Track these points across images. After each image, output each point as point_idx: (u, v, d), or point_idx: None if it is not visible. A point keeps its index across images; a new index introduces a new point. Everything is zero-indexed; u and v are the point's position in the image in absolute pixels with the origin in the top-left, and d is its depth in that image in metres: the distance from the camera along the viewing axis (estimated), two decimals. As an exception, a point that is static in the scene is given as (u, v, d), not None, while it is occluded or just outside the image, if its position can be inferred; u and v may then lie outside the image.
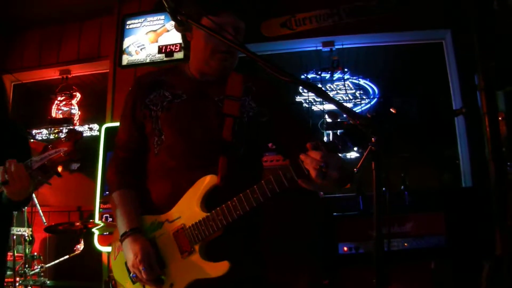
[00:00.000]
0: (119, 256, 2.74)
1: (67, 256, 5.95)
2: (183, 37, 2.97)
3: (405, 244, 5.30)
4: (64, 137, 2.83)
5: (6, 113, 3.88)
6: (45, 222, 6.16)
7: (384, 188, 5.28)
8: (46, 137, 8.50)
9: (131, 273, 2.57)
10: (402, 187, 5.81)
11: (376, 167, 1.91)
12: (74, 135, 2.80)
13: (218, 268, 2.45)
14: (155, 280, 2.53)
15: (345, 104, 3.78)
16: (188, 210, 2.56)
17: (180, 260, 2.53)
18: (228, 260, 2.44)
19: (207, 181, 2.55)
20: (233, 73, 2.89)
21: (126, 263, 2.64)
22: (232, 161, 2.62)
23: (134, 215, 2.70)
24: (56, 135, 8.34)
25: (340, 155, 2.34)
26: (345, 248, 5.41)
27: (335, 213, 5.63)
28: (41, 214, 6.26)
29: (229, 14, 2.71)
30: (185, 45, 2.71)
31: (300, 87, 7.95)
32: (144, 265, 2.49)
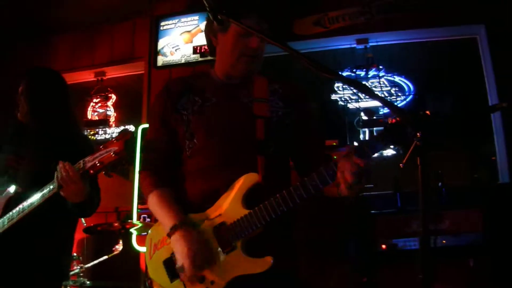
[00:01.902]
0: (155, 255, 2.75)
1: (106, 257, 5.99)
2: (209, 42, 3.00)
3: (443, 241, 5.26)
4: (115, 137, 2.86)
5: (77, 127, 3.97)
6: (84, 223, 6.20)
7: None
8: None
9: (178, 265, 2.56)
10: (440, 183, 5.76)
11: (421, 163, 1.89)
12: (124, 135, 2.83)
13: (261, 264, 2.46)
14: (199, 276, 2.54)
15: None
16: (228, 207, 2.58)
17: (222, 257, 2.53)
18: (270, 256, 2.46)
19: (248, 179, 2.58)
20: (257, 76, 2.94)
21: (164, 262, 2.67)
22: (269, 160, 2.66)
23: (178, 210, 2.70)
24: (93, 137, 8.40)
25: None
26: (384, 246, 5.38)
27: (373, 211, 5.61)
28: (81, 215, 6.30)
29: (253, 16, 2.73)
30: (211, 50, 2.75)
31: (336, 85, 7.95)
32: (198, 255, 2.50)
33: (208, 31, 2.97)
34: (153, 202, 2.80)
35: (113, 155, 2.81)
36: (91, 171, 2.97)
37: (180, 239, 2.56)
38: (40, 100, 3.84)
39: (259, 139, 2.69)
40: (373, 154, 2.31)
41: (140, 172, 2.93)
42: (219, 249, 2.54)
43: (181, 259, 2.53)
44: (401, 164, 2.02)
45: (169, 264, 2.66)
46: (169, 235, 2.63)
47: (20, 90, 3.82)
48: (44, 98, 3.86)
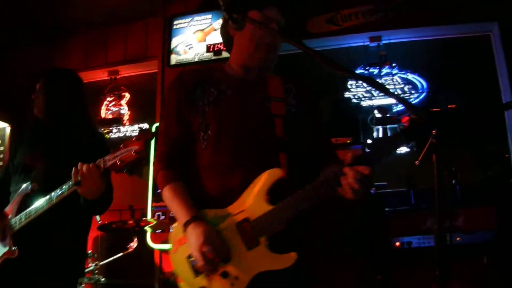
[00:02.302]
0: (179, 250, 2.75)
1: (121, 254, 6.01)
2: (225, 34, 3.01)
3: (457, 238, 5.26)
4: (136, 136, 2.88)
5: (92, 126, 4.01)
6: (99, 221, 6.22)
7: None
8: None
9: (192, 260, 2.59)
10: (453, 181, 5.75)
11: (437, 160, 1.90)
12: (145, 134, 2.85)
13: (285, 260, 2.48)
14: (217, 267, 2.55)
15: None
16: (252, 203, 2.58)
17: (245, 253, 2.53)
18: (294, 252, 2.48)
19: (272, 174, 2.59)
20: (270, 75, 2.98)
21: (188, 257, 2.67)
22: (291, 157, 2.70)
23: (191, 205, 2.71)
24: (107, 136, 8.42)
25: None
26: (397, 243, 5.39)
27: (386, 209, 5.61)
28: (95, 213, 6.32)
29: (274, 9, 2.79)
30: (227, 44, 2.76)
31: (349, 83, 7.95)
32: (208, 247, 2.48)
33: (225, 25, 2.98)
34: (167, 197, 2.81)
35: (134, 154, 2.83)
36: (111, 170, 2.99)
37: (192, 232, 2.57)
38: (56, 98, 3.87)
39: (280, 137, 2.72)
40: (384, 156, 2.36)
41: (154, 167, 2.93)
42: (243, 245, 2.55)
43: (194, 252, 2.54)
44: (416, 162, 2.03)
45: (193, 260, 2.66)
46: (184, 231, 2.65)
47: (38, 87, 3.86)
48: (60, 96, 3.89)
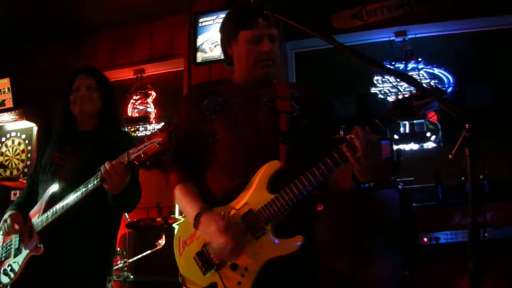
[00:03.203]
0: (185, 251, 2.81)
1: (149, 251, 6.05)
2: (225, 52, 3.13)
3: (485, 234, 5.23)
4: (159, 129, 2.91)
5: (119, 120, 4.05)
6: (128, 218, 6.27)
7: (463, 178, 5.21)
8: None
9: (212, 247, 2.64)
10: (481, 176, 5.72)
11: (470, 154, 1.90)
12: (168, 126, 2.88)
13: (292, 244, 2.55)
14: (236, 250, 2.59)
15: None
16: (254, 195, 2.68)
17: (253, 243, 2.60)
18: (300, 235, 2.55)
19: (271, 165, 2.70)
20: (279, 82, 3.09)
21: (196, 254, 2.72)
22: (291, 149, 2.78)
23: (201, 200, 2.80)
24: (134, 134, 8.47)
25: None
26: (425, 239, 5.37)
27: (414, 204, 5.60)
28: (124, 210, 6.36)
29: (261, 25, 2.87)
30: (227, 60, 2.90)
31: (375, 78, 7.93)
32: (228, 230, 2.56)
33: (223, 41, 3.11)
34: (178, 197, 2.92)
35: (157, 145, 2.85)
36: (136, 162, 3.02)
37: (205, 222, 2.65)
38: (111, 98, 3.96)
39: (282, 131, 2.81)
40: (385, 127, 2.47)
41: (166, 170, 3.02)
42: (250, 235, 2.61)
43: (212, 240, 2.62)
44: (450, 156, 2.03)
45: (201, 256, 2.71)
46: (195, 225, 2.70)
47: (90, 84, 3.92)
48: (113, 96, 4.00)
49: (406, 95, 2.44)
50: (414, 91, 2.41)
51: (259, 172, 2.71)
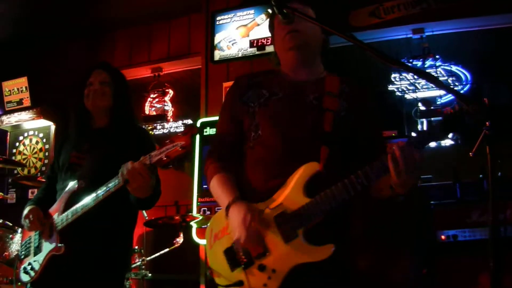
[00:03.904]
0: (215, 244, 2.79)
1: (167, 249, 6.07)
2: (274, 45, 3.14)
3: (506, 232, 5.20)
4: (182, 131, 2.92)
5: (132, 116, 4.05)
6: (146, 217, 6.30)
7: (481, 175, 5.18)
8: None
9: (235, 238, 2.61)
10: (499, 173, 5.69)
11: (491, 152, 1.90)
12: (190, 129, 2.89)
13: (323, 252, 2.48)
14: (258, 246, 2.59)
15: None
16: (289, 197, 2.61)
17: (283, 245, 2.55)
18: (332, 243, 2.48)
19: (309, 167, 2.62)
20: (329, 75, 3.01)
21: (225, 250, 2.71)
22: (333, 152, 2.68)
23: (236, 189, 2.79)
24: (151, 132, 8.50)
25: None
26: (443, 237, 5.35)
27: (432, 202, 5.57)
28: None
29: (296, 4, 2.78)
30: (276, 60, 2.93)
31: (393, 76, 7.91)
32: (254, 222, 2.55)
33: (272, 40, 3.14)
34: (213, 185, 2.90)
35: (180, 149, 2.86)
36: (158, 165, 3.03)
37: (234, 211, 2.64)
38: (125, 93, 3.97)
39: (326, 131, 2.73)
40: (429, 143, 2.40)
41: (205, 161, 3.01)
42: (281, 237, 2.56)
43: (236, 230, 2.59)
44: (471, 153, 2.03)
45: (230, 253, 2.69)
46: (226, 214, 2.70)
47: (103, 79, 3.91)
48: (127, 92, 4.01)
49: (457, 110, 2.30)
50: (463, 106, 2.24)
51: (296, 173, 2.64)
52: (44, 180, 4.77)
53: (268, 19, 3.13)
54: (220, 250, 2.74)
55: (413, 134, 7.33)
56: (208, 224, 2.93)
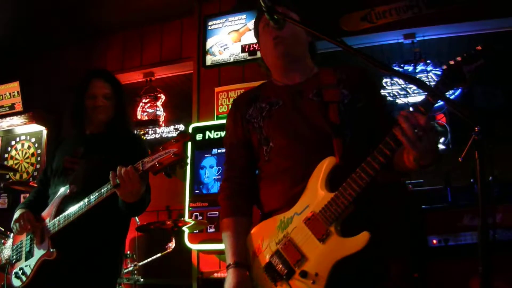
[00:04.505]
0: (255, 261, 2.78)
1: (159, 254, 6.07)
2: (261, 60, 3.18)
3: (495, 235, 5.22)
4: (174, 138, 2.93)
5: (129, 126, 4.06)
6: (138, 222, 6.31)
7: (472, 180, 5.19)
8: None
9: (274, 259, 2.63)
10: (491, 178, 5.71)
11: (479, 157, 1.91)
12: (183, 137, 2.90)
13: (359, 241, 2.40)
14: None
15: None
16: (314, 196, 2.59)
17: (319, 246, 2.50)
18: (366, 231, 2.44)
19: (326, 163, 2.60)
20: (322, 69, 3.02)
21: (265, 266, 2.68)
22: (346, 142, 2.69)
23: (240, 248, 2.79)
24: (143, 137, 8.50)
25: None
26: (434, 241, 5.36)
27: (423, 206, 5.59)
28: (135, 214, 6.37)
29: (281, 8, 2.81)
30: (264, 66, 2.97)
31: (384, 81, 7.93)
32: None
33: (256, 39, 3.18)
34: (223, 229, 2.90)
35: (172, 156, 2.87)
36: (151, 172, 3.03)
37: (229, 276, 2.69)
38: (124, 108, 4.01)
39: (334, 123, 2.72)
40: (433, 106, 2.35)
41: (219, 193, 3.01)
42: (315, 239, 2.52)
43: None
44: (460, 159, 2.04)
45: (270, 268, 2.66)
46: (226, 269, 2.76)
47: (107, 93, 3.93)
48: (126, 107, 4.06)
49: (454, 62, 2.35)
50: (463, 56, 2.35)
51: (315, 172, 2.63)
52: (36, 184, 4.77)
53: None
54: (261, 266, 2.72)
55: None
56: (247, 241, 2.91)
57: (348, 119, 2.75)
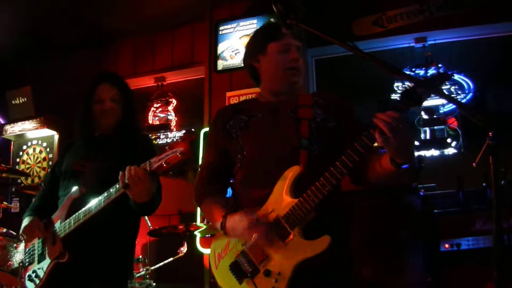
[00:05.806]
0: (221, 264, 2.90)
1: (171, 259, 6.07)
2: (251, 70, 3.26)
3: (510, 240, 5.18)
4: (180, 137, 2.95)
5: (137, 128, 4.07)
6: (150, 226, 6.31)
7: (484, 184, 5.17)
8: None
9: (239, 259, 2.76)
10: (503, 181, 5.66)
11: (493, 162, 1.91)
12: (189, 136, 2.91)
13: (320, 244, 2.58)
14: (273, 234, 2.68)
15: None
16: (279, 202, 2.75)
17: (283, 247, 2.66)
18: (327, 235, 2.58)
19: (292, 171, 2.77)
20: (302, 93, 3.21)
21: (230, 265, 2.80)
22: (313, 154, 2.83)
23: (225, 205, 2.95)
24: (155, 142, 8.51)
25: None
26: (447, 245, 5.34)
27: (436, 210, 5.57)
28: (147, 218, 6.39)
29: (288, 36, 3.05)
30: (254, 78, 3.03)
31: (395, 85, 7.91)
32: (258, 222, 2.68)
33: (249, 59, 3.26)
34: (205, 211, 3.14)
35: (179, 155, 2.90)
36: (158, 172, 3.05)
37: (232, 223, 2.80)
38: (132, 110, 4.00)
39: (303, 137, 2.86)
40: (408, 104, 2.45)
41: (194, 187, 3.17)
42: (279, 240, 2.67)
43: (245, 232, 2.73)
44: (474, 164, 2.04)
45: (235, 267, 2.79)
46: (224, 232, 2.86)
47: (114, 96, 3.93)
48: (134, 108, 4.05)
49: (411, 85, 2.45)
50: (419, 80, 2.47)
51: (281, 179, 2.77)
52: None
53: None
54: (226, 267, 2.83)
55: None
56: (210, 248, 3.03)
57: (317, 135, 2.91)
